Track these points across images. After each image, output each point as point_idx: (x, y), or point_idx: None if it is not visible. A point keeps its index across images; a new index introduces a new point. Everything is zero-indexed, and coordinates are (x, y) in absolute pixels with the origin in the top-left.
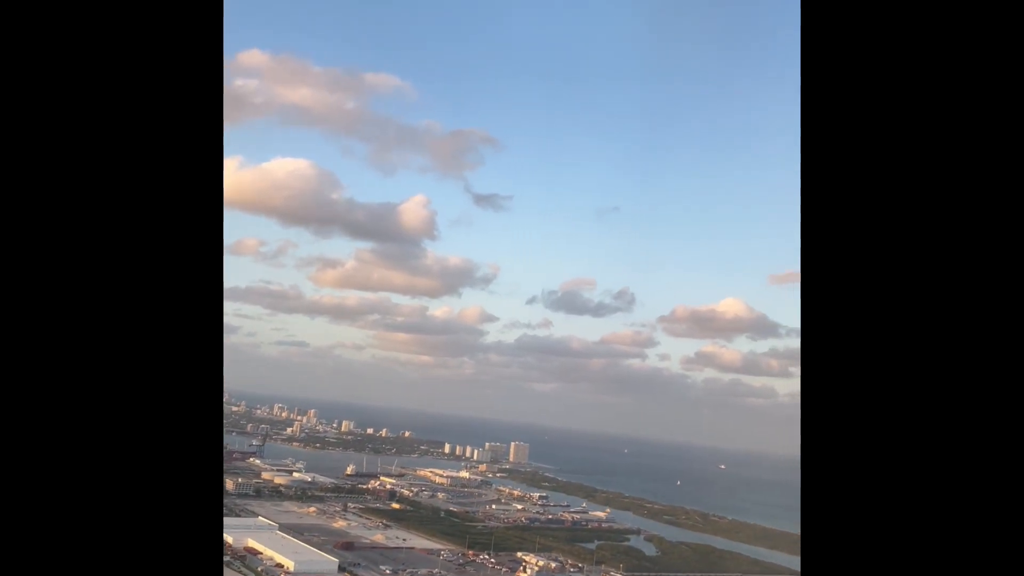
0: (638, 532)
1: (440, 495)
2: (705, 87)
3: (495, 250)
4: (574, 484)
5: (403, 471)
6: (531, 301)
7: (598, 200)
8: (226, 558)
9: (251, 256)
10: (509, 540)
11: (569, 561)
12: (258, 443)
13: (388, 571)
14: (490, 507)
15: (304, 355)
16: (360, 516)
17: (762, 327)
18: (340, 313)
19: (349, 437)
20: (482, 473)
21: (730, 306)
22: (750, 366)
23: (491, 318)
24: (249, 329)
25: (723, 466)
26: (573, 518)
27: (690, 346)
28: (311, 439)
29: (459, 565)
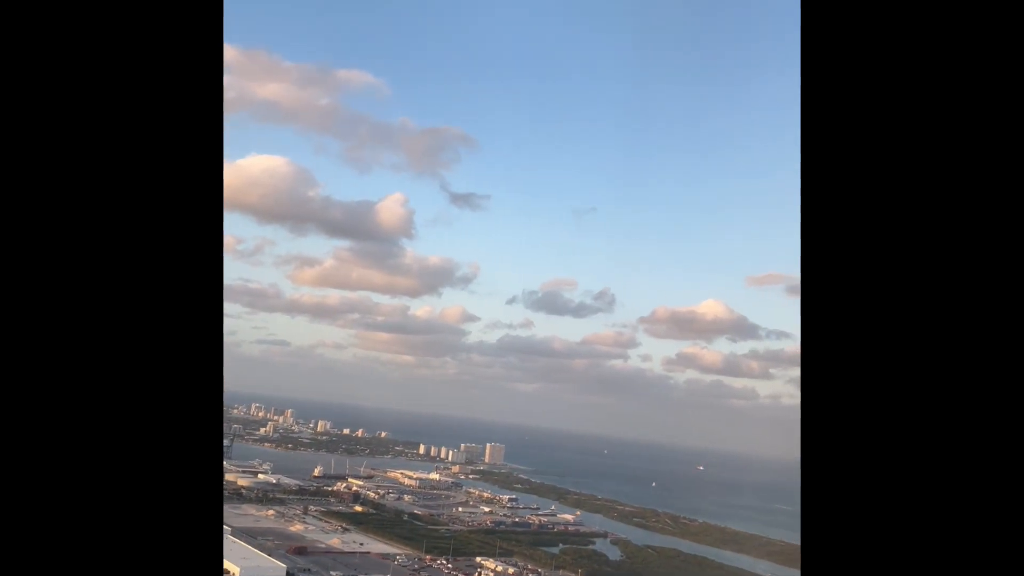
0: (605, 535)
1: (407, 497)
2: (684, 88)
3: (473, 250)
4: (547, 486)
5: (372, 473)
6: (511, 301)
7: (575, 200)
8: None
9: (229, 254)
10: (471, 544)
11: (528, 566)
12: (226, 443)
13: None
14: (456, 510)
15: (286, 354)
16: (320, 519)
17: (742, 329)
18: (320, 312)
19: (324, 438)
20: (454, 475)
21: (710, 307)
22: (731, 367)
23: (473, 318)
24: (229, 327)
25: (701, 467)
26: (540, 521)
27: (671, 347)
28: (284, 439)
29: (414, 570)
